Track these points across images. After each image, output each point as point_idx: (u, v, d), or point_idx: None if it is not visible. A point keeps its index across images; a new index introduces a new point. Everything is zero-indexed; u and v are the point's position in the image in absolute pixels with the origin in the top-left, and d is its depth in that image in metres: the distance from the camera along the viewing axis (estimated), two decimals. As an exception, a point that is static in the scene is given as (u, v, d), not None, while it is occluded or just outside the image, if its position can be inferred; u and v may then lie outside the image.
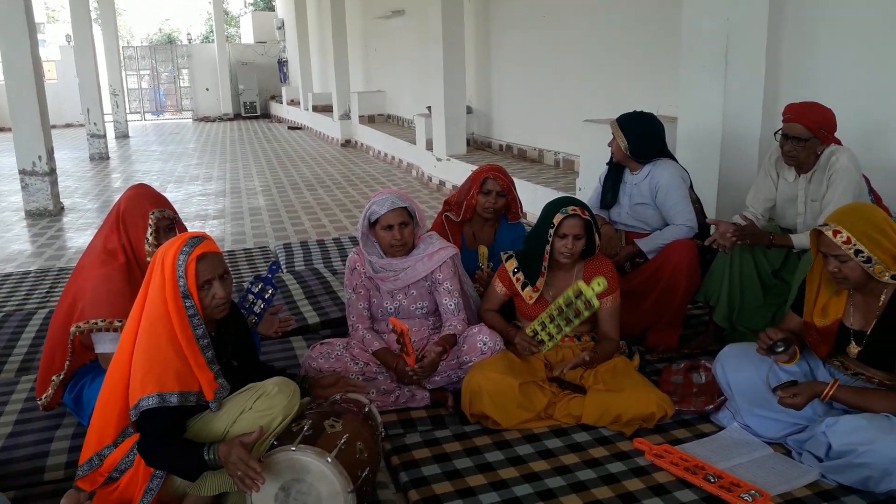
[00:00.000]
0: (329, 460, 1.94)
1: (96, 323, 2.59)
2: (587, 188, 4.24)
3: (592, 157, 5.15)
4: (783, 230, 3.22)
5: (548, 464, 2.45)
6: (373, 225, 2.89)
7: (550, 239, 2.79)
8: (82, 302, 2.64)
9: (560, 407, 2.73)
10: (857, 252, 2.19)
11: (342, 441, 2.03)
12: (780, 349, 2.38)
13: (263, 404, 2.07)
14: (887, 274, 2.20)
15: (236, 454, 1.88)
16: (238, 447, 1.89)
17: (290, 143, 13.91)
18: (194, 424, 2.08)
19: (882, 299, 2.27)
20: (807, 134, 2.95)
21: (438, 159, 8.31)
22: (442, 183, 8.15)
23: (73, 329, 2.61)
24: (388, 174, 9.62)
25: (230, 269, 2.32)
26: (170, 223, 2.75)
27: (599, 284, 2.71)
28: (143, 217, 2.69)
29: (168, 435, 1.99)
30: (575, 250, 2.78)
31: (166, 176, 9.87)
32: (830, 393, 2.28)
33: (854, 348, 2.34)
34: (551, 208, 2.83)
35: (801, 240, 3.03)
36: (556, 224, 2.76)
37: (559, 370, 2.69)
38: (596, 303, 2.70)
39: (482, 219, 3.46)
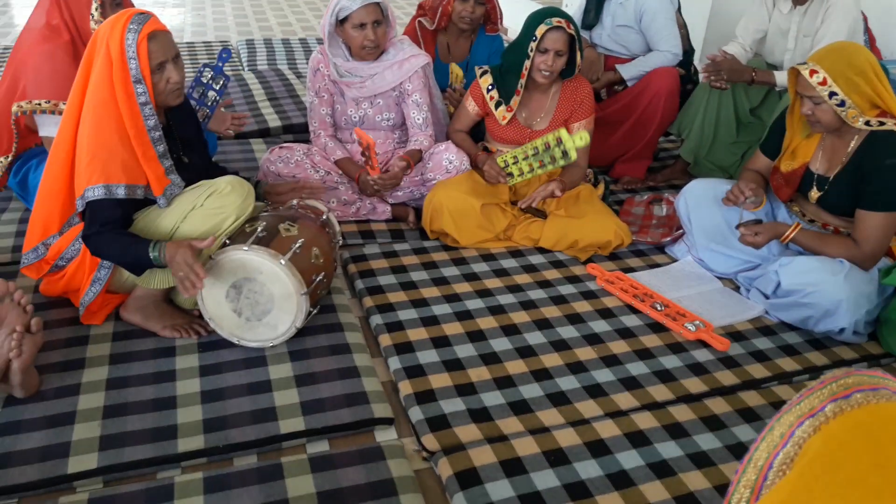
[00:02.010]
0: (283, 262, 1.91)
1: (40, 104, 2.43)
2: (575, 4, 3.96)
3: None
4: (769, 66, 3.09)
5: (501, 282, 2.48)
6: (341, 23, 2.66)
7: (531, 54, 2.62)
8: (24, 80, 2.45)
9: (519, 229, 2.73)
10: (832, 94, 2.11)
11: (297, 245, 1.99)
12: (750, 221, 2.37)
13: (215, 202, 1.99)
14: (861, 119, 2.13)
15: (182, 255, 1.82)
16: (186, 248, 1.83)
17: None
18: (141, 218, 2.01)
19: (851, 145, 2.23)
20: (810, -39, 2.73)
21: (418, -39, 7.70)
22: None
23: (14, 109, 2.45)
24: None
25: (186, 62, 2.13)
26: (118, -3, 2.50)
27: (582, 139, 2.58)
28: (85, -10, 2.43)
29: (113, 227, 1.92)
30: (555, 68, 2.62)
31: None
32: (791, 235, 2.29)
33: (815, 193, 2.33)
34: (535, 19, 2.62)
35: (784, 77, 2.91)
36: (538, 37, 2.58)
37: (526, 202, 2.64)
38: (574, 155, 2.59)
39: (458, 29, 3.23)
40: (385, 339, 2.13)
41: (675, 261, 2.68)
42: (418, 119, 2.81)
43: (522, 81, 2.67)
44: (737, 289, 2.52)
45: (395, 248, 2.64)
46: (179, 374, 1.93)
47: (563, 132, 2.58)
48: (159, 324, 2.07)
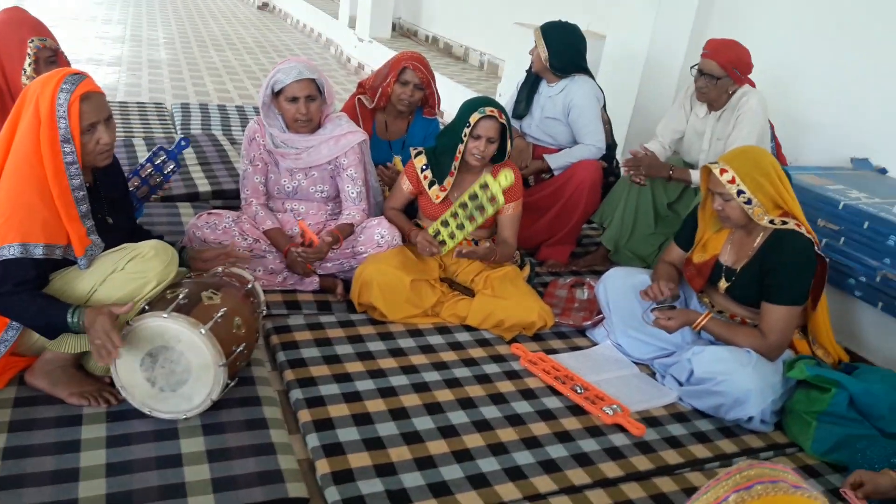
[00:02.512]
0: (203, 332, 1.87)
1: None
2: (508, 95, 4.15)
3: (518, 62, 5.03)
4: (686, 164, 3.29)
5: (427, 358, 2.48)
6: (276, 95, 2.71)
7: (465, 139, 2.72)
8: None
9: (447, 307, 2.76)
10: (740, 192, 2.27)
11: (219, 314, 1.95)
12: (664, 304, 2.48)
13: (137, 266, 1.95)
14: (765, 217, 2.29)
15: (101, 323, 1.76)
16: (104, 315, 1.77)
17: (202, -3, 12.85)
18: (58, 279, 1.94)
19: (757, 241, 2.38)
20: (720, 72, 2.97)
21: (360, 39, 7.91)
22: (361, 66, 7.80)
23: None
24: (305, 47, 9.10)
25: (118, 122, 2.11)
26: (51, 55, 2.49)
27: (506, 178, 2.66)
28: (20, 45, 2.41)
29: (27, 287, 1.84)
30: (487, 153, 2.73)
31: (59, 11, 8.90)
32: (703, 323, 2.40)
33: (723, 283, 2.46)
34: (469, 107, 2.74)
35: (698, 176, 3.11)
36: (471, 123, 2.69)
37: (464, 252, 2.68)
38: (501, 198, 2.66)
39: (396, 110, 3.32)
40: (304, 415, 2.09)
41: (595, 344, 2.76)
42: (352, 193, 2.84)
43: (456, 163, 2.76)
44: (653, 374, 2.60)
45: (321, 320, 2.62)
46: (84, 444, 1.83)
47: (487, 176, 2.66)
48: (67, 390, 1.97)
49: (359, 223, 2.83)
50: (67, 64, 2.61)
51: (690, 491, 2.00)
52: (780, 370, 2.35)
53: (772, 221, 2.30)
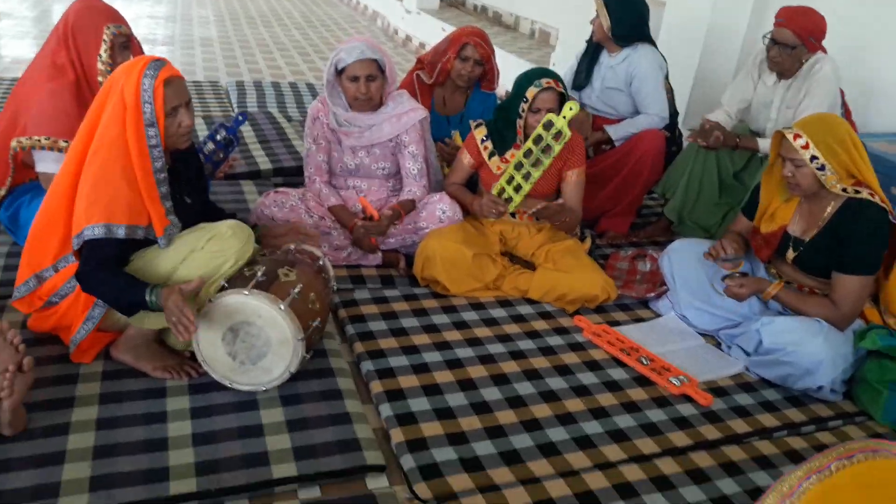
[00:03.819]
0: (282, 307, 1.93)
1: (39, 140, 2.45)
2: (562, 65, 4.11)
3: (573, 31, 4.97)
4: (752, 133, 3.23)
5: (490, 331, 2.52)
6: (339, 73, 2.74)
7: (523, 115, 2.71)
8: (26, 116, 2.49)
9: (509, 280, 2.78)
10: (813, 158, 2.22)
11: (296, 290, 2.02)
12: (728, 260, 2.45)
13: (216, 245, 2.02)
14: (838, 185, 2.25)
15: (173, 300, 1.83)
16: (176, 293, 1.84)
17: (248, -27, 12.93)
18: (139, 259, 2.02)
19: (828, 210, 2.33)
20: (795, 41, 2.89)
21: (408, 11, 7.88)
22: (409, 38, 7.78)
23: (13, 144, 2.47)
24: (352, 20, 9.11)
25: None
26: (125, 41, 2.56)
27: (571, 109, 2.62)
28: (96, 32, 2.49)
29: (110, 267, 1.93)
30: None
31: None
32: (774, 292, 2.38)
33: (791, 254, 2.43)
34: (525, 80, 2.73)
35: (767, 144, 3.05)
36: (529, 98, 2.68)
37: (532, 210, 2.67)
38: (567, 131, 2.62)
39: (455, 85, 3.33)
40: (376, 386, 2.15)
41: (658, 316, 2.75)
42: (413, 170, 2.87)
43: (520, 137, 2.75)
44: (718, 345, 2.59)
45: (386, 294, 2.67)
46: (170, 415, 1.92)
47: (550, 115, 2.63)
48: (150, 364, 2.07)
49: (420, 199, 2.86)
50: (140, 49, 2.69)
51: (760, 459, 2.01)
52: (851, 339, 2.31)
53: (844, 190, 2.25)
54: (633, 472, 1.90)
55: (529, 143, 2.68)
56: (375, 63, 2.70)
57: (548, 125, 2.64)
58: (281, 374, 2.01)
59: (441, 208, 2.80)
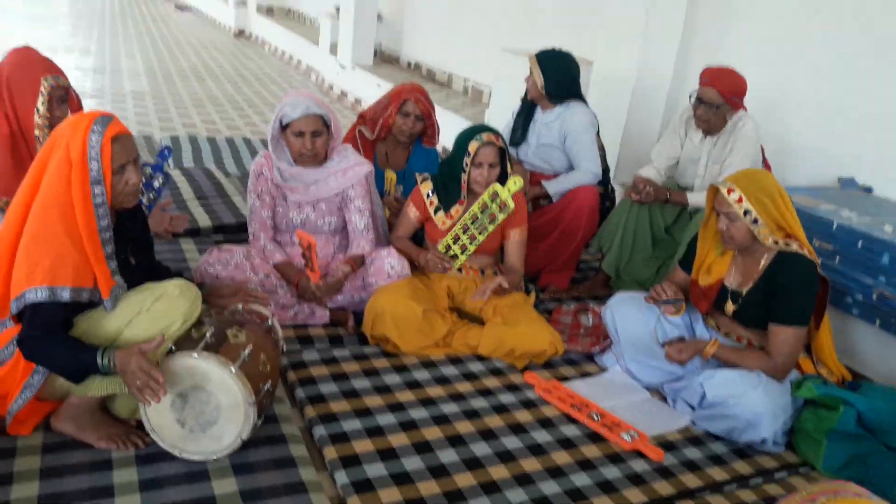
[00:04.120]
0: (233, 370, 1.88)
1: (-27, 199, 2.34)
2: (496, 122, 4.23)
3: (505, 88, 5.12)
4: (680, 188, 3.38)
5: (443, 390, 2.51)
6: (284, 128, 2.74)
7: (467, 168, 2.78)
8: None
9: (458, 336, 2.79)
10: (746, 212, 2.34)
11: (246, 352, 1.97)
12: (669, 302, 2.54)
13: (162, 306, 1.95)
14: (770, 238, 2.37)
15: (136, 363, 1.77)
16: (138, 356, 1.78)
17: (177, 25, 12.83)
18: (83, 321, 1.94)
19: (762, 263, 2.45)
20: (720, 100, 3.07)
21: (342, 66, 7.96)
22: (344, 93, 7.85)
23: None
24: (286, 75, 9.14)
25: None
26: (63, 93, 2.50)
27: (515, 184, 2.72)
28: (32, 84, 2.43)
29: (55, 332, 1.84)
30: (490, 178, 2.80)
31: (35, 43, 8.80)
32: (712, 351, 2.46)
33: (730, 306, 2.53)
34: (467, 135, 2.81)
35: (696, 198, 3.21)
36: (471, 153, 2.75)
37: (477, 296, 2.73)
38: (511, 203, 2.72)
39: (396, 140, 3.37)
40: (330, 452, 2.10)
41: (604, 370, 2.80)
42: (360, 225, 2.87)
43: (464, 192, 2.81)
44: (664, 399, 2.65)
45: (335, 355, 2.63)
46: (117, 489, 1.82)
47: (496, 185, 2.72)
48: (94, 434, 1.97)
49: (368, 254, 2.86)
50: (78, 101, 2.62)
51: (713, 514, 2.05)
52: (789, 390, 2.41)
53: (776, 242, 2.37)
54: (593, 532, 1.90)
55: (476, 209, 2.77)
56: (321, 118, 2.71)
57: (493, 196, 2.71)
58: (232, 442, 1.94)
59: (390, 263, 2.80)
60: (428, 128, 3.36)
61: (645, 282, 3.43)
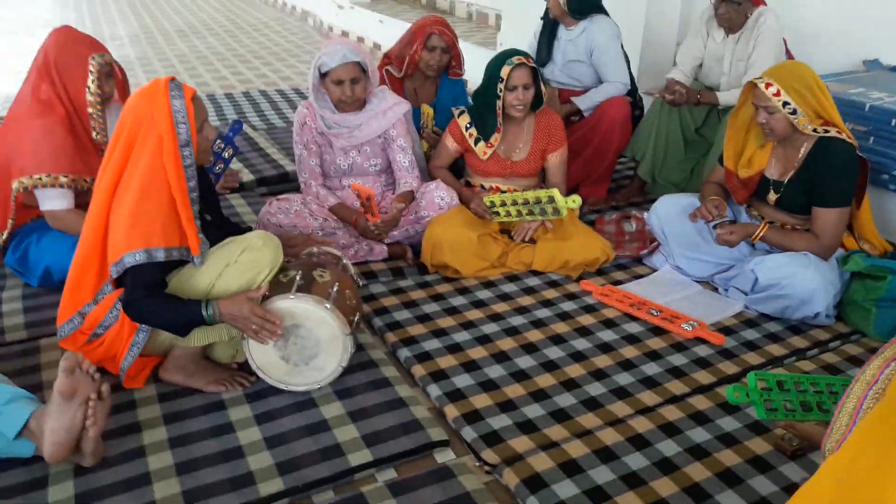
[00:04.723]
0: (328, 307, 2.03)
1: (41, 178, 2.46)
2: (511, 44, 4.24)
3: (517, 9, 5.10)
4: (707, 88, 3.44)
5: (508, 305, 2.66)
6: (323, 77, 2.82)
7: (501, 94, 2.85)
8: (22, 157, 2.48)
9: (512, 255, 2.93)
10: (785, 104, 2.42)
11: (334, 289, 2.11)
12: (720, 223, 2.65)
13: (249, 257, 2.08)
14: (809, 127, 2.46)
15: (249, 308, 1.92)
16: (249, 303, 1.93)
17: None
18: (174, 280, 2.07)
19: (802, 151, 2.55)
20: (741, -5, 3.10)
21: (340, 6, 7.89)
22: (345, 34, 7.80)
23: (15, 185, 2.47)
24: (282, 22, 9.06)
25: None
26: (110, 69, 2.57)
27: (574, 201, 2.76)
28: (81, 64, 2.50)
29: (157, 292, 1.99)
30: (526, 100, 2.86)
31: (4, 24, 8.66)
32: (760, 234, 2.59)
33: (772, 196, 2.64)
34: (497, 61, 2.87)
35: (726, 97, 3.27)
36: (504, 77, 2.82)
37: (520, 235, 2.87)
38: (564, 213, 2.78)
39: (424, 75, 3.43)
40: (418, 370, 2.27)
41: (655, 270, 2.94)
42: (404, 162, 2.98)
43: (500, 119, 2.89)
44: (715, 290, 2.79)
45: (400, 285, 2.78)
46: (236, 425, 2.00)
47: (556, 192, 2.76)
48: (203, 380, 2.14)
49: (416, 189, 2.97)
50: (123, 75, 2.70)
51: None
52: (836, 267, 2.54)
53: (815, 130, 2.46)
54: (671, 413, 2.08)
55: (530, 195, 2.80)
56: (358, 65, 2.78)
57: (550, 199, 2.76)
58: (334, 371, 2.11)
59: (439, 195, 2.92)
60: (454, 58, 3.42)
61: (680, 182, 3.54)
